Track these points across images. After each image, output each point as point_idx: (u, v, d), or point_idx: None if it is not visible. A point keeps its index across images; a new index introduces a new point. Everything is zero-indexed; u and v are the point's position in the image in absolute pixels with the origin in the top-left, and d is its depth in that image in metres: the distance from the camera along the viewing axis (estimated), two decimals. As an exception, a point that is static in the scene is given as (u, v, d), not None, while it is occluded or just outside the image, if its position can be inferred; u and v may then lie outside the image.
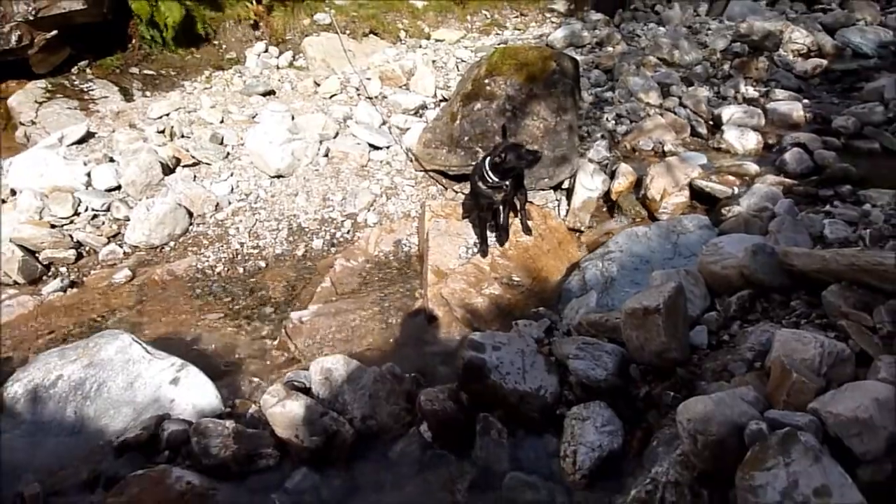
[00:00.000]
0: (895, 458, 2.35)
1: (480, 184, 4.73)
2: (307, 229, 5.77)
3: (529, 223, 5.32)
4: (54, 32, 7.13)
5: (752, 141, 6.39)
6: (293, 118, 7.03)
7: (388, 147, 6.78)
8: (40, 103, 7.14)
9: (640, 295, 3.65)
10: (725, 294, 4.11)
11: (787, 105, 6.90)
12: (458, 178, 6.06)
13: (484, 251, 5.03)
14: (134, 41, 8.20)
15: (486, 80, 5.84)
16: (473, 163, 5.57)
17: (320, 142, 6.64)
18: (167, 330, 4.60)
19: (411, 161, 6.47)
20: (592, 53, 8.44)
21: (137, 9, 7.69)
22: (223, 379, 4.02)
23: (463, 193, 5.92)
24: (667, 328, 3.46)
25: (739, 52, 7.88)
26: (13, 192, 5.93)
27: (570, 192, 5.71)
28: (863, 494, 2.15)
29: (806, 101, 7.18)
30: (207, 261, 5.38)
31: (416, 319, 4.65)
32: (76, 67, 7.72)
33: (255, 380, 4.03)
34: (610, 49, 8.46)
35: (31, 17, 6.85)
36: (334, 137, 6.80)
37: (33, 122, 6.96)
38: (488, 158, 4.62)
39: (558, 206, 5.76)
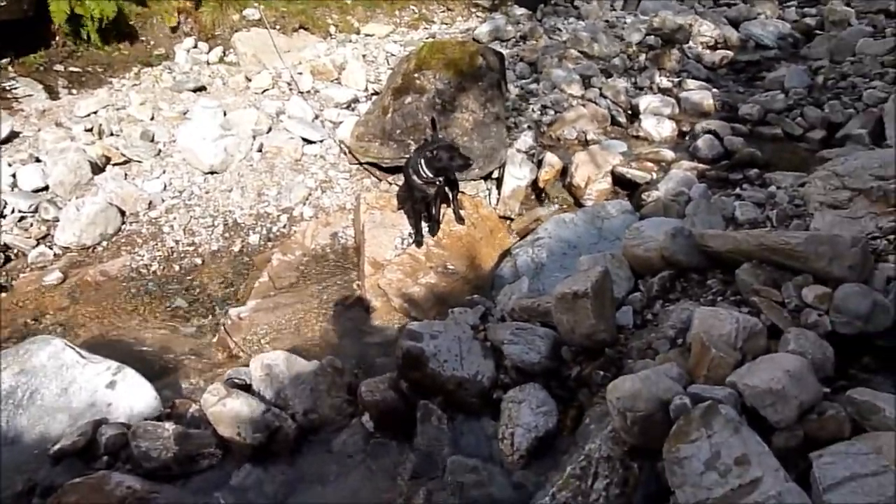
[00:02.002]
0: (805, 425, 2.43)
1: (415, 177, 4.67)
2: (243, 225, 5.58)
3: (462, 212, 5.30)
4: (-30, 29, 6.65)
5: (667, 129, 6.54)
6: (225, 114, 6.78)
7: (321, 141, 6.62)
8: (-42, 103, 6.66)
9: (569, 280, 3.67)
10: (648, 275, 4.19)
11: (698, 94, 7.07)
12: (392, 171, 5.98)
13: (419, 241, 4.98)
14: (58, 38, 7.72)
15: (416, 75, 5.77)
16: (406, 155, 5.51)
17: (253, 137, 6.43)
18: (102, 332, 4.38)
19: (345, 154, 6.34)
20: (517, 47, 8.44)
21: (55, 10, 7.21)
22: (162, 379, 3.85)
23: (396, 185, 5.85)
24: (595, 311, 3.49)
25: (653, 45, 8.03)
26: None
27: (499, 182, 5.72)
28: (778, 460, 2.22)
29: (715, 90, 7.38)
30: (142, 259, 5.15)
31: (355, 311, 4.58)
32: (-3, 65, 7.24)
33: (195, 379, 3.89)
34: (533, 42, 8.48)
35: (-58, 16, 6.36)
36: (267, 132, 6.60)
37: (-50, 123, 6.48)
38: (423, 155, 4.55)
39: (489, 195, 5.75)
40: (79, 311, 4.59)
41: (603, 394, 3.35)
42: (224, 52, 8.54)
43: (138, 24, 8.33)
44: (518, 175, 5.65)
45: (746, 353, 3.10)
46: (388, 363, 4.02)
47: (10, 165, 5.56)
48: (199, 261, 5.22)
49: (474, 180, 5.66)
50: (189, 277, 5.04)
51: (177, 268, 5.13)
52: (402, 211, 5.35)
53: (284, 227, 5.61)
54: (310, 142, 6.60)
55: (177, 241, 5.36)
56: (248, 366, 3.59)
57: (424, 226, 5.07)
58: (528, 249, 4.72)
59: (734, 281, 3.76)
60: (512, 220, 5.61)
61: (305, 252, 5.25)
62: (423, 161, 4.53)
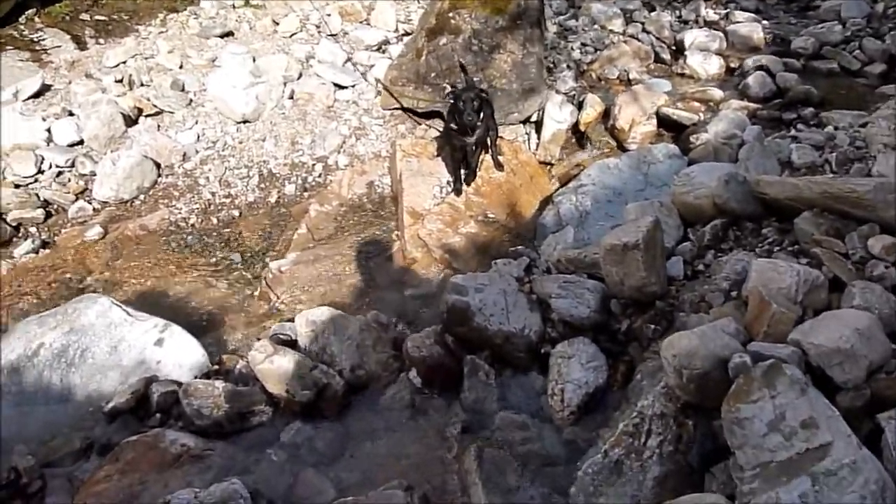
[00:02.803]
0: (873, 384, 2.35)
1: (452, 125, 4.54)
2: (278, 175, 5.54)
3: (500, 158, 5.17)
4: (-6, -22, 6.56)
5: (714, 65, 6.25)
6: (254, 60, 6.66)
7: (353, 86, 6.48)
8: (-11, 56, 6.64)
9: (618, 230, 3.58)
10: (699, 224, 4.06)
11: (747, 27, 6.72)
12: (427, 115, 5.85)
13: (458, 190, 4.89)
14: (82, -15, 7.62)
15: (451, 14, 5.56)
16: (440, 100, 5.38)
17: (284, 84, 6.32)
18: (145, 287, 4.43)
19: (380, 95, 6.19)
20: (552, -21, 8.09)
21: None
22: (207, 335, 3.91)
23: (435, 130, 5.72)
24: (646, 263, 3.40)
25: (700, -27, 7.61)
26: (-30, 153, 5.56)
27: (538, 125, 5.56)
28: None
29: (765, 22, 7.00)
30: (180, 213, 5.16)
31: (395, 262, 4.55)
32: (24, 17, 7.14)
33: (240, 333, 3.93)
34: (570, -26, 8.10)
35: (-30, -36, 6.27)
36: (298, 79, 6.47)
37: (-17, 77, 6.48)
38: (457, 103, 4.39)
39: (528, 139, 5.61)
40: (121, 266, 4.65)
41: (654, 348, 3.30)
42: (248, -7, 8.33)
43: (162, -32, 8.14)
44: (558, 118, 5.48)
45: (807, 307, 3.00)
46: (431, 316, 4.01)
47: (44, 120, 5.56)
48: (236, 213, 5.22)
49: (513, 124, 5.50)
50: (227, 230, 5.05)
51: (215, 220, 5.13)
52: (440, 158, 5.23)
53: (320, 176, 5.55)
54: (341, 87, 6.46)
55: (213, 194, 5.35)
56: (292, 320, 3.61)
57: (463, 173, 4.96)
58: (572, 196, 4.60)
59: (792, 230, 3.62)
60: (552, 165, 5.48)
61: (342, 202, 5.21)
62: (460, 106, 4.37)
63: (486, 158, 5.16)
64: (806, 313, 2.88)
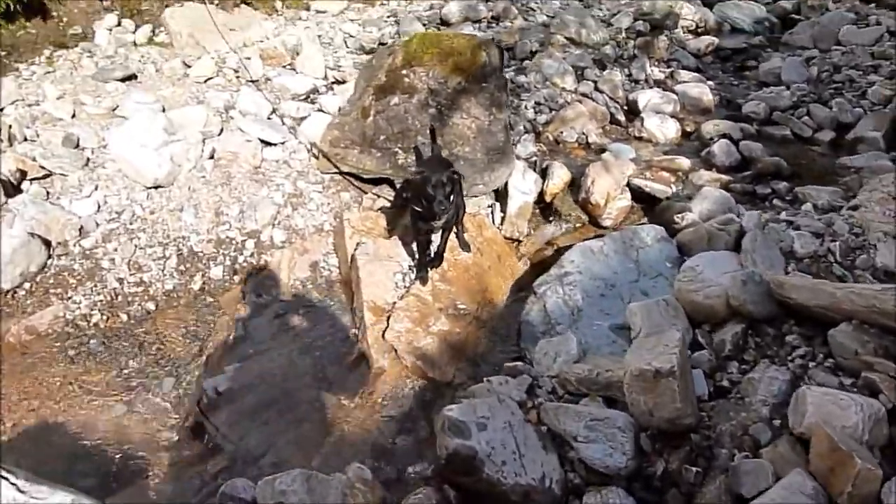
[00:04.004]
0: None
1: (419, 210, 3.84)
2: (201, 255, 4.63)
3: (465, 236, 4.53)
4: None
5: (672, 129, 5.94)
6: (164, 110, 5.69)
7: (283, 143, 5.64)
8: None
9: (644, 352, 3.04)
10: (706, 324, 3.60)
11: (697, 89, 6.49)
12: (375, 182, 5.13)
13: (424, 278, 4.19)
14: (-55, 14, 6.36)
15: (405, 71, 4.89)
16: (390, 168, 4.70)
17: (203, 141, 5.39)
18: (36, 422, 3.40)
19: (315, 159, 5.41)
20: (491, 29, 7.61)
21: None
22: (124, 491, 2.96)
23: (385, 199, 5.01)
24: (681, 392, 2.87)
25: (642, 31, 7.37)
26: None
27: (502, 197, 4.97)
28: None
29: (710, 83, 6.83)
30: (79, 308, 4.14)
31: (358, 373, 3.77)
32: None
33: (170, 489, 3.00)
34: (508, 24, 7.66)
35: None
36: (219, 135, 5.56)
37: None
38: (429, 184, 3.67)
39: (492, 213, 4.99)
40: (4, 386, 3.57)
41: (700, 496, 2.76)
42: (154, 32, 7.31)
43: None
44: (523, 188, 4.92)
45: (872, 446, 2.59)
46: (408, 448, 3.29)
47: None
48: (151, 306, 4.25)
49: (475, 196, 4.88)
50: (142, 329, 4.08)
51: (124, 317, 4.15)
52: (395, 237, 4.53)
53: (252, 255, 4.68)
54: (269, 144, 5.61)
55: (121, 280, 4.36)
56: (242, 474, 2.77)
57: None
58: (558, 288, 4.02)
59: (822, 340, 3.23)
60: (520, 242, 4.89)
61: (283, 290, 4.37)
62: (430, 191, 3.66)
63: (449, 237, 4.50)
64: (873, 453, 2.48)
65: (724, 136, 5.57)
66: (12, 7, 6.56)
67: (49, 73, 6.33)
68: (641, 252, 4.19)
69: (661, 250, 4.19)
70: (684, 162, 5.28)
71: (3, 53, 6.52)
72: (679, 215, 4.48)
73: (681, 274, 3.68)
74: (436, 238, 4.17)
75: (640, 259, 4.14)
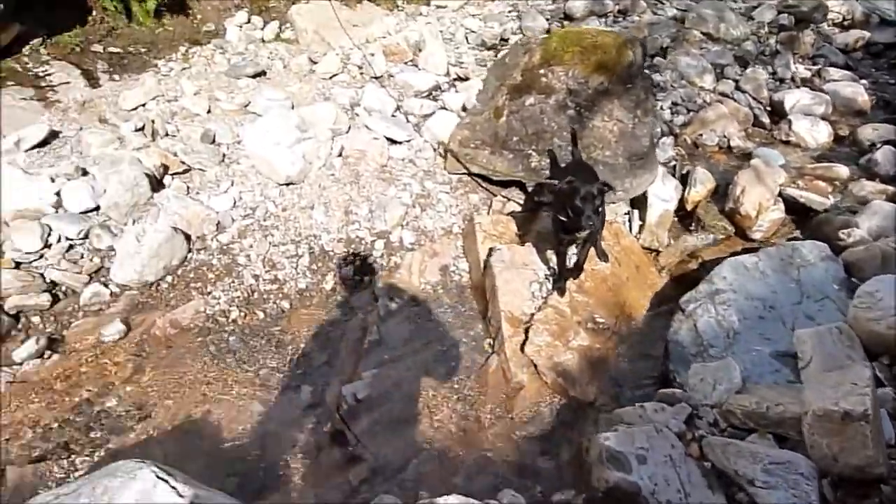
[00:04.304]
0: None
1: (564, 219, 3.63)
2: (332, 253, 4.61)
3: (604, 245, 4.29)
4: (0, 7, 5.60)
5: (823, 133, 5.45)
6: (293, 106, 5.75)
7: (408, 141, 5.58)
8: (-13, 94, 5.66)
9: (826, 389, 2.72)
10: (884, 357, 3.23)
11: (850, 88, 5.94)
12: (505, 184, 4.96)
13: (562, 289, 4.00)
14: (95, 13, 6.66)
15: (542, 70, 4.69)
16: (522, 170, 4.51)
17: (332, 138, 5.40)
18: (180, 416, 3.45)
19: (443, 158, 5.29)
20: (617, 24, 7.27)
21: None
22: (270, 497, 2.94)
23: (515, 202, 4.84)
24: (874, 438, 2.54)
25: (786, 25, 6.83)
26: (-38, 216, 4.58)
27: (641, 204, 4.68)
28: None
29: (863, 81, 6.23)
30: (218, 303, 4.20)
31: (495, 386, 3.62)
32: (28, 47, 6.15)
33: (313, 496, 2.96)
34: (636, 19, 7.30)
35: (-33, -11, 5.31)
36: (347, 132, 5.56)
37: (-20, 120, 5.50)
38: (577, 192, 3.44)
39: (629, 220, 4.72)
40: (148, 382, 3.65)
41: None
42: (280, 28, 7.42)
43: (185, -5, 7.22)
44: (664, 195, 4.63)
45: None
46: (552, 470, 3.11)
47: (52, 181, 4.57)
48: (286, 304, 4.27)
49: (613, 203, 4.62)
50: (277, 328, 4.09)
51: (261, 314, 4.18)
52: (529, 244, 4.35)
53: (382, 256, 4.63)
54: (395, 142, 5.56)
55: (256, 277, 4.40)
56: (384, 487, 2.68)
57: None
58: (709, 307, 3.72)
59: None
60: (659, 252, 4.60)
61: (414, 294, 4.28)
62: (578, 203, 3.43)
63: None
64: None
65: (887, 142, 5.04)
66: (157, 6, 6.83)
67: (185, 69, 6.53)
68: (803, 271, 3.81)
69: (827, 270, 3.80)
70: (842, 170, 4.82)
71: (144, 50, 6.78)
72: (844, 231, 4.06)
73: (857, 299, 3.31)
74: (575, 248, 3.97)
75: (803, 279, 3.77)
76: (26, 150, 5.01)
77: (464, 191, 5.10)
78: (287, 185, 5.08)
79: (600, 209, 3.49)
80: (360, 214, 4.89)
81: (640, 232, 4.63)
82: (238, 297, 4.26)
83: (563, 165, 4.33)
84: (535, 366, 3.61)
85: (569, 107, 4.57)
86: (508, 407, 3.47)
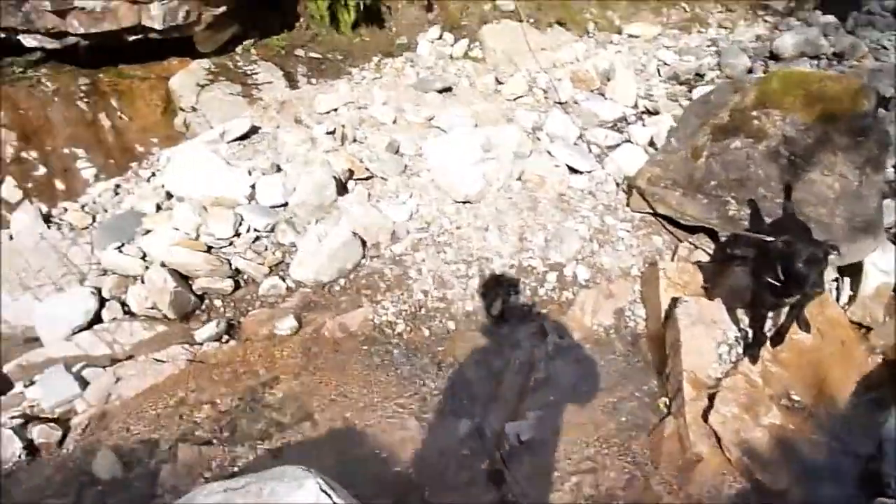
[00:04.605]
0: None
1: (773, 280, 3.22)
2: (503, 279, 4.46)
3: (806, 312, 3.79)
4: (223, 9, 6.04)
5: None
6: (476, 125, 5.70)
7: (590, 172, 5.33)
8: (202, 86, 6.10)
9: None
10: None
11: None
12: (693, 230, 4.58)
13: (754, 356, 3.57)
14: (302, 20, 7.05)
15: (755, 113, 4.28)
16: (717, 218, 4.12)
17: (513, 161, 5.27)
18: (341, 417, 3.43)
19: (626, 193, 5.00)
20: (832, 68, 6.60)
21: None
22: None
23: (704, 250, 4.45)
24: None
25: None
26: (169, 196, 4.93)
27: (855, 273, 4.12)
28: None
29: None
30: (386, 314, 4.18)
31: (670, 452, 3.27)
32: (241, 47, 6.63)
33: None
34: (855, 63, 6.59)
35: (201, -10, 5.78)
36: (528, 156, 5.41)
37: (194, 109, 5.94)
38: (803, 256, 3.02)
39: (837, 289, 4.18)
40: (314, 381, 3.69)
41: None
42: (469, 46, 7.47)
43: (384, 9, 7.46)
44: (883, 266, 4.04)
45: None
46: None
47: (249, 174, 4.81)
48: (451, 325, 4.17)
49: (822, 267, 4.09)
50: (440, 349, 4.00)
51: (426, 332, 4.11)
52: (718, 299, 3.95)
53: (553, 289, 4.41)
54: (576, 171, 5.34)
55: (425, 293, 4.34)
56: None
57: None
58: (940, 407, 3.15)
59: None
60: (870, 330, 4.02)
61: (584, 334, 4.03)
62: (800, 266, 3.01)
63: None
64: None
65: None
66: (357, 18, 7.12)
67: (377, 78, 6.72)
68: None
69: None
70: None
71: (340, 58, 7.07)
72: None
73: None
74: (785, 317, 3.54)
75: None
76: (229, 142, 5.32)
77: (647, 231, 4.77)
78: (464, 202, 5.02)
79: (823, 275, 3.06)
80: (534, 242, 4.71)
81: (849, 304, 4.07)
82: (406, 310, 4.22)
83: (769, 219, 3.90)
84: (719, 439, 3.23)
85: (782, 155, 4.13)
86: (684, 480, 3.11)
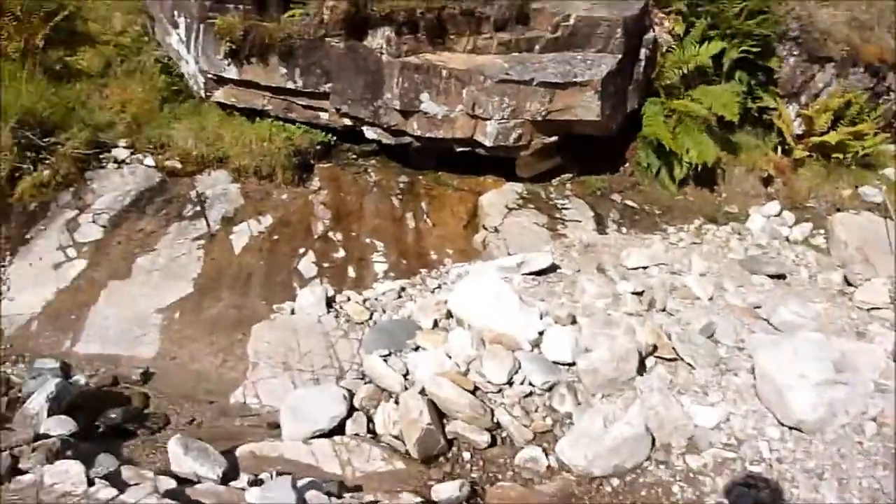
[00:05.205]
0: None
1: None
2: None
3: None
4: (555, 139, 5.78)
5: None
6: (818, 330, 4.50)
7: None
8: (510, 209, 5.83)
9: None
10: None
11: None
12: None
13: None
14: (627, 165, 6.57)
15: None
16: None
17: (871, 393, 3.96)
18: None
19: None
20: None
21: (650, 132, 6.03)
22: None
23: None
24: None
25: None
26: (449, 315, 4.51)
27: None
28: None
29: None
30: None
31: None
32: (557, 179, 6.30)
33: None
34: None
35: (540, 118, 5.56)
36: (889, 392, 4.05)
37: (496, 230, 5.64)
38: None
39: None
40: None
41: None
42: (812, 232, 6.33)
43: (718, 172, 6.69)
44: None
45: None
46: None
47: (541, 318, 4.20)
48: None
49: None
50: None
51: None
52: None
53: None
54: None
55: (723, 540, 3.22)
56: None
57: None
58: None
59: None
60: None
61: None
62: None
63: None
64: None
65: None
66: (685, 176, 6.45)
67: (696, 244, 5.87)
68: None
69: None
70: None
71: (658, 212, 6.38)
72: None
73: None
74: None
75: None
76: (524, 274, 4.84)
77: None
78: (793, 429, 3.82)
79: None
80: (891, 518, 3.34)
81: None
82: (695, 554, 3.13)
83: None
84: None
85: None
86: None
